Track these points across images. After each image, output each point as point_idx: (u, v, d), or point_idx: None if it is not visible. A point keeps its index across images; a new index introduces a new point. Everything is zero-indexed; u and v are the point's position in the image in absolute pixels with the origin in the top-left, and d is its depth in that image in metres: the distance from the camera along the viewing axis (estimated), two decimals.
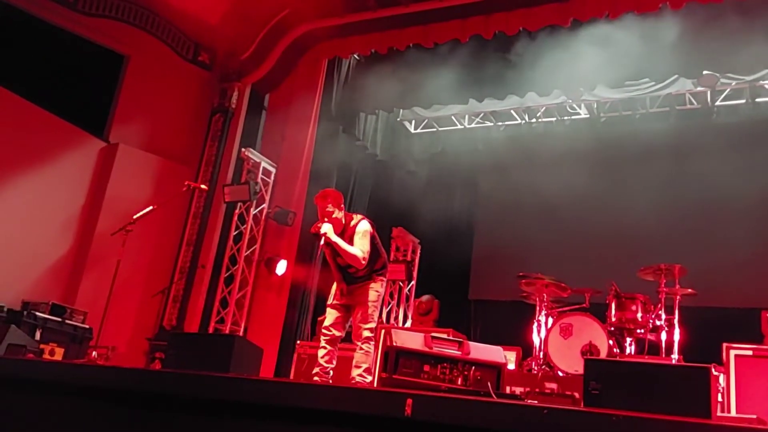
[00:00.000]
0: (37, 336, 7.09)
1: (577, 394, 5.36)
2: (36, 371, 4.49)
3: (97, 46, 9.25)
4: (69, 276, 8.48)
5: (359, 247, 5.07)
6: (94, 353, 6.46)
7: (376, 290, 5.20)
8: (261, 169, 9.29)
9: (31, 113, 8.25)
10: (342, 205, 5.30)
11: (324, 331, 5.25)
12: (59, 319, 7.45)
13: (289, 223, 9.13)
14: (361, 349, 5.05)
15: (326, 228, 5.06)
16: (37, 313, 7.27)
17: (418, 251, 10.37)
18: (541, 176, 9.13)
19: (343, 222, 5.23)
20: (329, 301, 5.34)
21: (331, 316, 5.26)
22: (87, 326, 7.66)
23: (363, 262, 5.06)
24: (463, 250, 10.64)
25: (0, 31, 8.21)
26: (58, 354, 7.17)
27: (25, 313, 7.20)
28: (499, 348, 4.07)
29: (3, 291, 7.37)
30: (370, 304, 5.15)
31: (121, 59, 9.52)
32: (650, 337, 6.70)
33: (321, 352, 5.21)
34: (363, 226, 5.18)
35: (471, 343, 4.02)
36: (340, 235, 5.14)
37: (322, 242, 5.05)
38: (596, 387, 3.15)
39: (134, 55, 9.55)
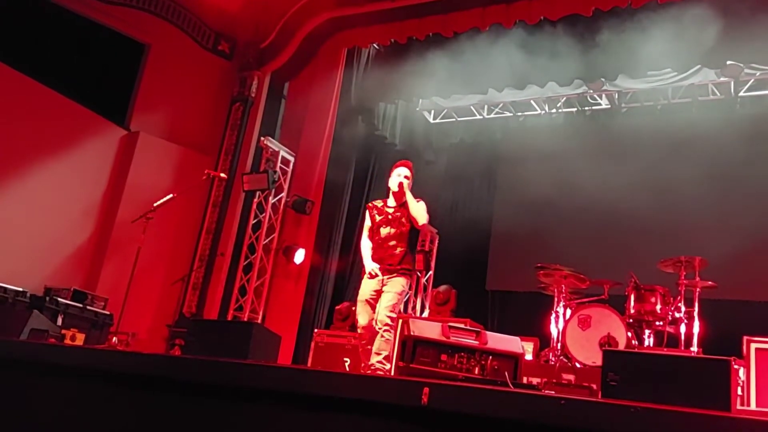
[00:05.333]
0: (59, 321, 7.18)
1: (594, 386, 5.33)
2: (57, 356, 4.55)
3: (118, 34, 9.31)
4: (90, 262, 8.58)
5: (423, 210, 5.31)
6: (114, 339, 6.52)
7: (402, 284, 5.25)
8: (280, 158, 9.33)
9: (53, 100, 8.34)
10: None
11: (362, 331, 5.24)
12: (81, 305, 7.54)
13: (307, 211, 9.16)
14: (383, 336, 5.06)
15: (404, 181, 5.33)
16: (59, 299, 7.36)
17: (436, 241, 10.35)
18: (560, 167, 9.07)
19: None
20: (363, 297, 5.28)
21: (365, 315, 5.22)
22: (108, 312, 7.75)
23: (424, 220, 5.29)
24: (481, 240, 10.61)
25: (22, 20, 8.29)
26: (80, 339, 7.27)
27: (47, 298, 7.29)
28: (516, 338, 4.06)
29: (26, 277, 7.48)
30: (396, 294, 5.17)
31: (142, 48, 9.58)
32: (669, 329, 6.65)
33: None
34: (423, 204, 5.41)
35: (488, 333, 4.01)
36: (402, 205, 5.36)
37: (396, 189, 5.31)
38: (614, 378, 3.13)
39: (155, 44, 9.60)
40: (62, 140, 8.44)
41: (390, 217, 5.35)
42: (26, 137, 8.07)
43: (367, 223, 5.49)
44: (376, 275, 5.24)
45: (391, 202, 5.43)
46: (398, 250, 5.27)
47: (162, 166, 9.11)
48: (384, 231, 5.33)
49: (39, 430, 4.19)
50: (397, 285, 5.19)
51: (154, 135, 9.24)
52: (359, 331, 5.31)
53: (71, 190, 8.51)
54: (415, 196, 5.39)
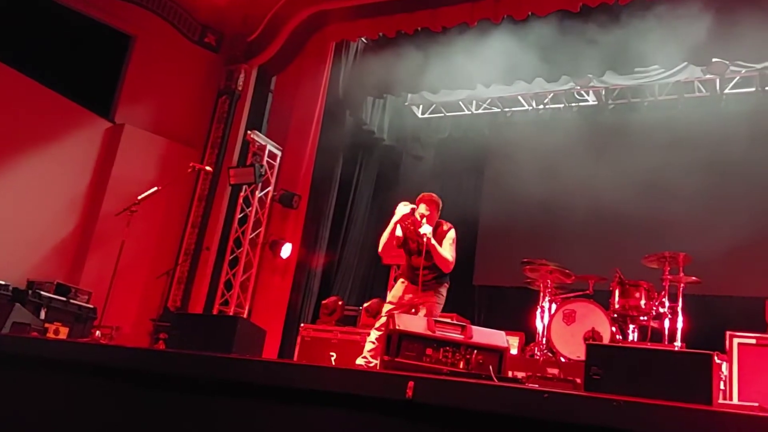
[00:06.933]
0: (42, 315, 7.13)
1: (578, 380, 5.35)
2: (40, 349, 4.51)
3: (104, 26, 9.23)
4: (74, 256, 8.52)
5: (449, 253, 5.32)
6: (98, 333, 6.48)
7: (442, 293, 5.44)
8: (266, 151, 9.29)
9: (37, 93, 8.26)
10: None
11: (382, 328, 5.28)
12: (64, 299, 7.49)
13: (294, 206, 9.13)
14: None
15: (427, 230, 5.28)
16: (42, 293, 7.31)
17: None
18: (547, 163, 9.09)
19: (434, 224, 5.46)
20: (392, 299, 5.45)
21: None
22: (91, 306, 7.70)
23: (450, 267, 5.33)
24: (468, 235, 10.58)
25: (7, 11, 8.19)
26: (63, 333, 7.22)
27: (30, 292, 7.23)
28: (501, 332, 4.07)
29: (8, 270, 7.41)
30: (438, 305, 5.37)
31: (128, 40, 9.50)
32: (653, 324, 6.70)
33: (369, 346, 5.31)
34: (453, 234, 5.43)
35: (474, 327, 4.02)
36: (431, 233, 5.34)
37: (425, 240, 5.25)
38: (597, 372, 3.14)
39: (141, 36, 9.53)
40: (46, 132, 8.36)
41: (420, 248, 5.34)
42: (9, 129, 7.98)
43: (399, 231, 5.51)
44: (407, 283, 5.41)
45: (424, 229, 5.32)
46: (430, 275, 5.37)
47: (147, 158, 9.05)
48: (415, 259, 5.41)
49: (20, 423, 4.15)
50: (438, 297, 5.38)
51: (140, 127, 9.17)
52: (377, 324, 5.38)
53: (55, 183, 8.44)
54: (443, 224, 5.43)
